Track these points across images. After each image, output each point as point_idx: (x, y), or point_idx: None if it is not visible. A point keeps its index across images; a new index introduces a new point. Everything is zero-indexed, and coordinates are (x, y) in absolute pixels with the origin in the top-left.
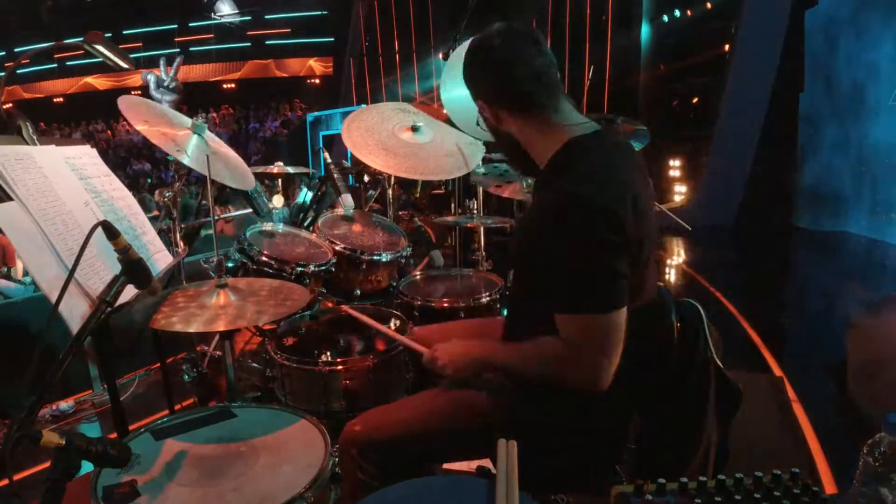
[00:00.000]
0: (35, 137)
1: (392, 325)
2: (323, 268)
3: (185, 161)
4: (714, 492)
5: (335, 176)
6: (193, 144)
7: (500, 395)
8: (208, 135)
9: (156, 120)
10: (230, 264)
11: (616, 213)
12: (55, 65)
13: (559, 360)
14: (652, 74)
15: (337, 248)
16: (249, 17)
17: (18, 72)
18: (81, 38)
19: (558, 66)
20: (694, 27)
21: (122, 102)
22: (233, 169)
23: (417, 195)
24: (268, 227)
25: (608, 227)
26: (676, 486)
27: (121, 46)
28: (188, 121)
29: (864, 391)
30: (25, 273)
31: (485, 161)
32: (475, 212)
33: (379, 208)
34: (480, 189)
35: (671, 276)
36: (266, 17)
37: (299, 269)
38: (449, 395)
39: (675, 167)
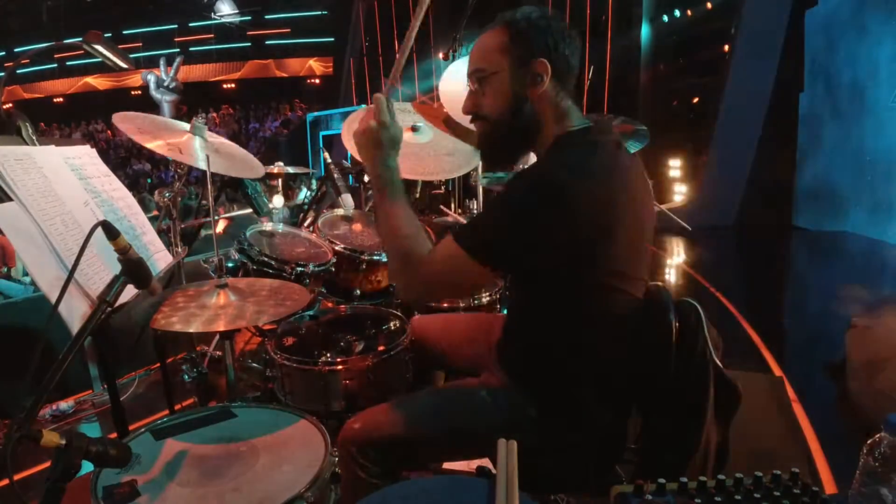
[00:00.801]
0: (35, 137)
1: (392, 325)
2: (323, 268)
3: (197, 163)
4: (714, 492)
5: (335, 176)
6: (197, 146)
7: (500, 395)
8: (208, 134)
9: (154, 130)
10: (230, 264)
11: (564, 193)
12: (55, 65)
13: (415, 251)
14: (652, 74)
15: (337, 248)
16: (249, 17)
17: (18, 72)
18: (81, 39)
19: None
20: (694, 27)
21: (118, 119)
22: (240, 160)
23: (417, 195)
24: (268, 227)
25: (544, 201)
26: (676, 486)
27: (121, 46)
28: (185, 125)
29: (864, 391)
30: (25, 273)
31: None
32: (475, 212)
33: None
34: (480, 189)
35: (671, 275)
36: (266, 17)
37: (299, 269)
38: (449, 395)
39: (675, 167)
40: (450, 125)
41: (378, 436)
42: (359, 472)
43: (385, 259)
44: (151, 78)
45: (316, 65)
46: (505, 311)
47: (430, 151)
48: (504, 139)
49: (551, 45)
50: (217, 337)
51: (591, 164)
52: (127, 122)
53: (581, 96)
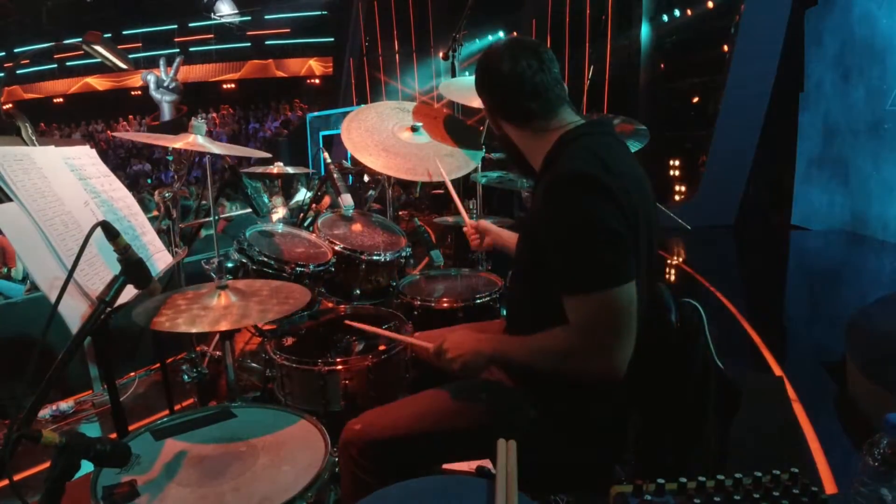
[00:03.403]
0: (34, 138)
1: (391, 325)
2: (322, 268)
3: (209, 149)
4: (713, 492)
5: (335, 176)
6: (201, 141)
7: (501, 396)
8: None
9: (156, 138)
10: (229, 264)
11: (604, 183)
12: (55, 65)
13: (570, 349)
14: (652, 74)
15: (337, 248)
16: (249, 17)
17: (18, 72)
18: (81, 39)
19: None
20: (694, 27)
21: (119, 136)
22: (242, 150)
23: (417, 195)
24: (267, 227)
25: (599, 197)
26: (675, 486)
27: (121, 46)
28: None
29: (864, 391)
30: (25, 273)
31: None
32: (475, 211)
33: (379, 208)
34: (480, 188)
35: (671, 275)
36: (266, 17)
37: (299, 269)
38: (449, 396)
39: (674, 167)
40: (449, 128)
41: (379, 437)
42: (359, 474)
43: (385, 259)
44: (151, 78)
45: (316, 65)
46: (504, 313)
47: (430, 152)
48: (508, 158)
49: (497, 100)
50: (217, 337)
51: (602, 151)
52: (127, 136)
53: (581, 96)
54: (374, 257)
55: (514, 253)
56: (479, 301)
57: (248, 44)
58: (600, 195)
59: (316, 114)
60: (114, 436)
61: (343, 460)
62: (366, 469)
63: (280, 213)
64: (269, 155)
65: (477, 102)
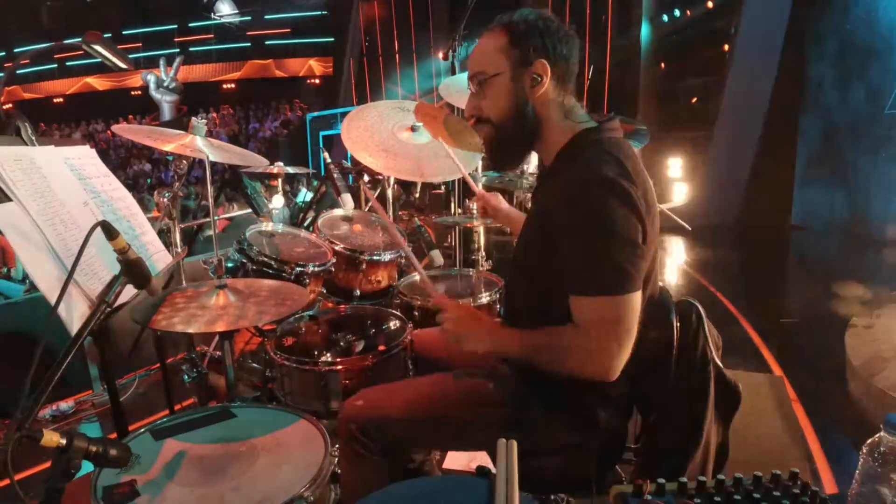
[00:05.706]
0: (34, 138)
1: (391, 325)
2: (322, 268)
3: (206, 156)
4: (713, 492)
5: (335, 176)
6: (200, 144)
7: (505, 391)
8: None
9: (153, 136)
10: (229, 264)
11: (629, 191)
12: (55, 65)
13: (572, 348)
14: (652, 74)
15: (336, 248)
16: (249, 17)
17: (18, 72)
18: (81, 39)
19: None
20: (694, 27)
21: (117, 129)
22: (240, 155)
23: (417, 195)
24: (267, 227)
25: (624, 204)
26: (675, 486)
27: (121, 46)
28: (181, 132)
29: (864, 391)
30: (25, 273)
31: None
32: (475, 212)
33: None
34: (480, 188)
35: (671, 276)
36: (266, 17)
37: (299, 269)
38: (454, 383)
39: (675, 167)
40: (450, 127)
41: (381, 416)
42: (359, 450)
43: (385, 259)
44: (151, 78)
45: (316, 65)
46: (501, 311)
47: (430, 152)
48: (509, 141)
49: (550, 45)
50: (217, 337)
51: (625, 160)
52: (127, 132)
53: (581, 96)
54: (374, 257)
55: (516, 240)
56: (479, 301)
57: (248, 44)
58: (627, 204)
59: (316, 114)
60: (114, 436)
61: (343, 436)
62: (365, 445)
63: (278, 207)
64: (266, 161)
65: None
